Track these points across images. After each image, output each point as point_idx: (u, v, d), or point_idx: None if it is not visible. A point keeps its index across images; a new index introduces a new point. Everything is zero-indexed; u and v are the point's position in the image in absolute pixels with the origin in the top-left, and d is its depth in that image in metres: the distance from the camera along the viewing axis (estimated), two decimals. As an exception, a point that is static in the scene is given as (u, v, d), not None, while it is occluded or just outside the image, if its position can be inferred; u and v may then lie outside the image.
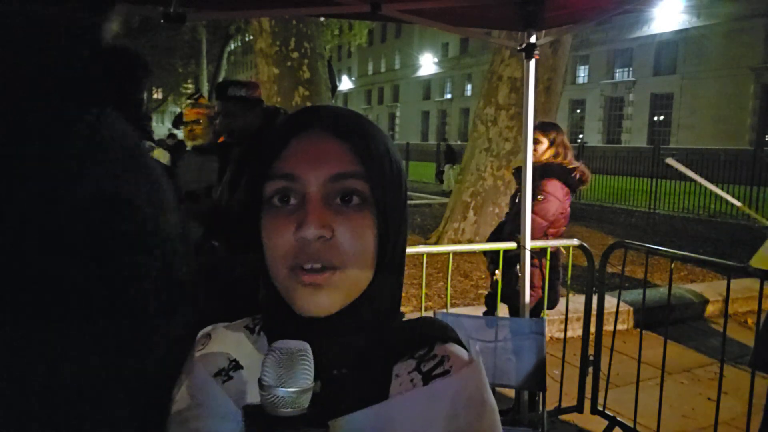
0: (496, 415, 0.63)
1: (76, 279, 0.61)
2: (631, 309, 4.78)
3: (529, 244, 2.92)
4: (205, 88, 26.21)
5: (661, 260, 6.46)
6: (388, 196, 0.62)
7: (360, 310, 0.62)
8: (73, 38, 0.67)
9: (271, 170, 0.61)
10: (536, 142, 3.13)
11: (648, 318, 4.24)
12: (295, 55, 6.91)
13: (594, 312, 3.22)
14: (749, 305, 5.18)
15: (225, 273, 2.27)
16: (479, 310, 4.80)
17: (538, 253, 3.11)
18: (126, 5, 2.31)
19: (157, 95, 35.16)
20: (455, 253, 3.37)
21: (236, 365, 0.66)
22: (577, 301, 4.10)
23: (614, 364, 3.29)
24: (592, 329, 3.21)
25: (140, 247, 0.64)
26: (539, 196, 3.09)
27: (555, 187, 3.12)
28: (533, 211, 2.97)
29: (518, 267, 2.96)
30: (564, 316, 3.41)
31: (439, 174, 18.99)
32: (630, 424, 2.98)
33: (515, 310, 3.09)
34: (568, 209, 3.26)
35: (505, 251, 3.04)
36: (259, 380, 0.53)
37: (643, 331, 3.13)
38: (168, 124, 20.15)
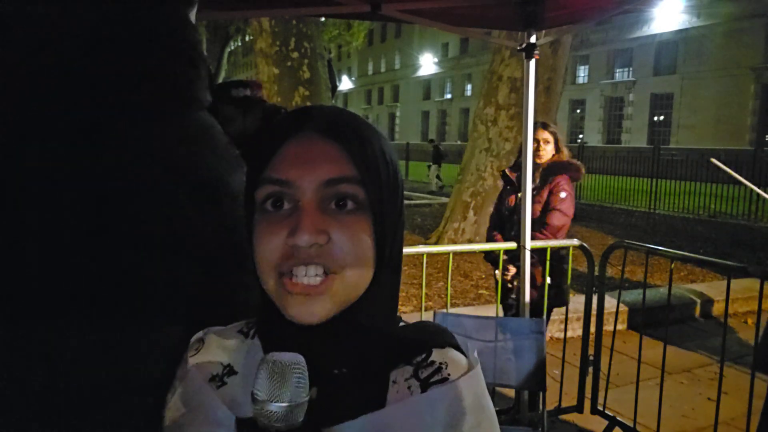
0: (495, 422, 0.62)
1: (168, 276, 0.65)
2: (627, 309, 4.78)
3: (529, 244, 2.92)
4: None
5: (661, 260, 6.46)
6: (384, 198, 0.60)
7: (357, 313, 0.61)
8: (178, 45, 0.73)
9: (263, 175, 0.60)
10: (546, 142, 3.18)
11: (648, 318, 4.24)
12: (295, 55, 6.91)
13: (594, 312, 3.22)
14: (749, 305, 5.17)
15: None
16: (479, 310, 4.81)
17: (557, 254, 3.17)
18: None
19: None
20: (455, 253, 3.36)
21: (230, 370, 0.65)
22: (577, 301, 4.09)
23: (614, 364, 3.29)
24: (592, 329, 3.21)
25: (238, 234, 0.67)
26: (561, 194, 3.12)
27: (569, 184, 3.17)
28: (559, 210, 3.06)
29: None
30: (564, 316, 3.41)
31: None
32: (630, 424, 2.98)
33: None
34: None
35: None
36: (252, 394, 0.52)
37: (643, 331, 3.13)
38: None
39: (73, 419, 0.62)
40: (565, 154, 3.24)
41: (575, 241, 3.17)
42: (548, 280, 3.09)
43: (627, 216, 11.91)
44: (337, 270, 0.58)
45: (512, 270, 3.11)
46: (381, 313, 0.64)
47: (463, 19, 2.85)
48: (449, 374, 0.61)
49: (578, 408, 3.20)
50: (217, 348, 0.67)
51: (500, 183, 3.46)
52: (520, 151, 3.05)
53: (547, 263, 3.08)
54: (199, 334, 0.70)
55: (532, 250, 2.98)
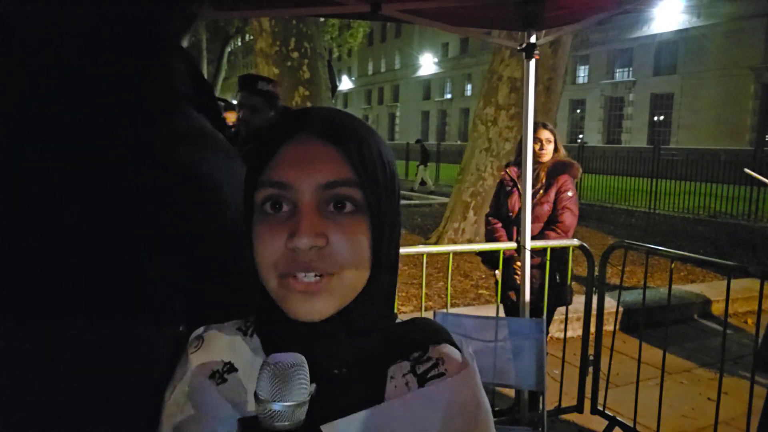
0: (490, 418, 0.64)
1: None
2: (627, 309, 4.78)
3: (529, 244, 2.92)
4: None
5: (661, 260, 6.46)
6: (382, 200, 0.61)
7: (355, 312, 0.62)
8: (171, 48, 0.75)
9: (262, 177, 0.60)
10: (548, 141, 3.21)
11: (648, 318, 4.24)
12: (295, 55, 6.91)
13: (594, 312, 3.22)
14: (749, 305, 5.18)
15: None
16: (479, 310, 4.81)
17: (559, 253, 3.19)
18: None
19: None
20: (455, 253, 3.37)
21: (231, 367, 0.66)
22: (577, 301, 4.09)
23: (614, 364, 3.29)
24: (592, 329, 3.21)
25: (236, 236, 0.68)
26: (568, 192, 3.16)
27: (572, 183, 3.21)
28: (569, 208, 3.11)
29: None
30: (564, 316, 3.41)
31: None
32: (630, 423, 2.98)
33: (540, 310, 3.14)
34: None
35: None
36: (255, 393, 0.53)
37: (643, 331, 3.13)
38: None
39: (73, 419, 0.62)
40: (563, 152, 3.29)
41: (575, 241, 3.17)
42: (557, 278, 3.11)
43: (627, 216, 11.92)
44: (336, 271, 0.59)
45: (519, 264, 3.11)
46: (378, 313, 0.65)
47: (463, 19, 2.85)
48: (446, 369, 0.62)
49: (578, 408, 3.21)
50: (217, 345, 0.68)
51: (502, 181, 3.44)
52: (519, 150, 3.06)
53: (548, 263, 3.08)
54: (199, 330, 0.70)
55: (537, 251, 2.99)
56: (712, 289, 5.61)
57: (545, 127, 3.24)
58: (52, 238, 0.61)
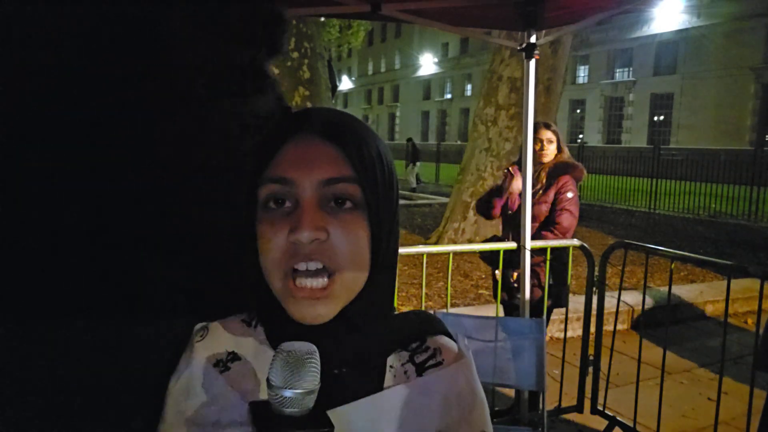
0: (485, 406, 0.67)
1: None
2: (627, 309, 4.78)
3: (529, 244, 2.92)
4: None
5: (661, 260, 6.46)
6: (380, 199, 0.63)
7: (355, 311, 0.63)
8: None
9: (264, 174, 0.62)
10: (549, 142, 3.19)
11: (648, 318, 4.24)
12: (295, 55, 6.90)
13: (594, 312, 3.22)
14: (749, 305, 5.17)
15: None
16: (479, 310, 4.81)
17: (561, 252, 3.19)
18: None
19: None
20: (455, 253, 3.37)
21: (234, 356, 0.67)
22: (577, 301, 4.09)
23: (614, 364, 3.29)
24: (592, 329, 3.21)
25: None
26: (568, 194, 3.14)
27: (574, 184, 3.20)
28: (568, 210, 3.10)
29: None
30: (564, 316, 3.41)
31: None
32: (630, 423, 2.98)
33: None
34: None
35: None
36: (267, 380, 0.54)
37: (643, 332, 3.13)
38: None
39: (73, 419, 0.62)
40: (566, 153, 3.26)
41: (575, 241, 3.17)
42: (550, 280, 3.10)
43: (627, 216, 11.92)
44: (336, 269, 0.60)
45: (516, 276, 3.11)
46: (377, 310, 0.66)
47: (463, 19, 2.85)
48: (443, 359, 0.66)
49: (578, 408, 3.21)
50: (221, 335, 0.69)
51: (501, 181, 3.43)
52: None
53: (547, 263, 3.08)
54: (203, 323, 0.71)
55: (538, 251, 2.99)
56: (712, 289, 5.61)
57: (547, 127, 3.21)
58: (52, 238, 0.61)
